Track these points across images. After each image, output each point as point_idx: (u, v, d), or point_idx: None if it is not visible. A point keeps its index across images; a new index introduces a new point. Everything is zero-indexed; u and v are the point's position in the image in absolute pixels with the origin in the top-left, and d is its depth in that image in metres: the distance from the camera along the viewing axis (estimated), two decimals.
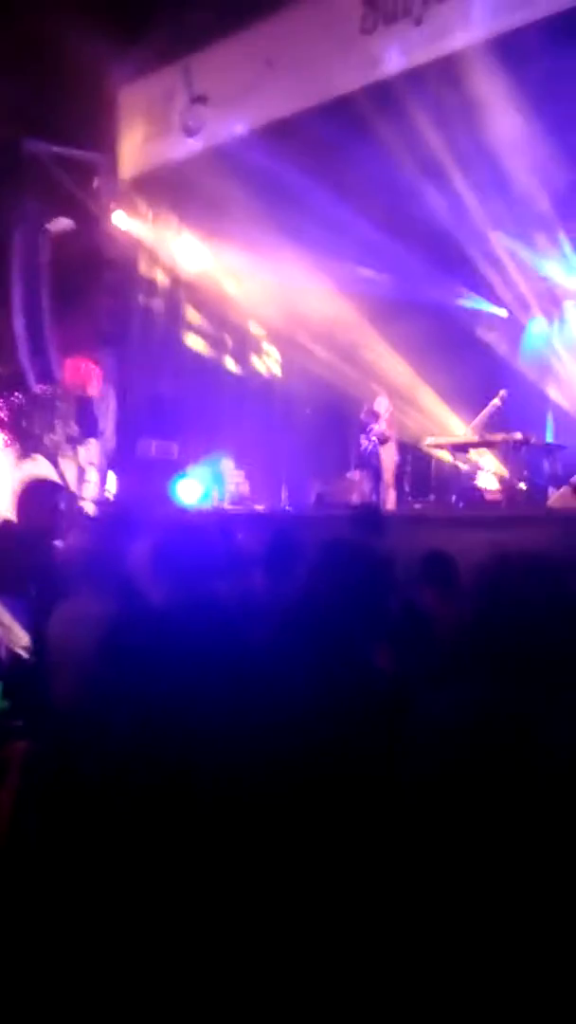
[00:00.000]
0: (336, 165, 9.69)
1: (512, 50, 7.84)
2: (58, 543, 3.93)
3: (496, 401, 10.28)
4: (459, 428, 11.16)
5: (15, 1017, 1.95)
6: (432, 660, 2.73)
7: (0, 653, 2.78)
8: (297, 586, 2.54)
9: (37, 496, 4.14)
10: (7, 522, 4.73)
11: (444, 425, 11.63)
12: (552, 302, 11.81)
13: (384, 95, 8.73)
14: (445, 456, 10.87)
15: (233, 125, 10.24)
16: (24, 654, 2.79)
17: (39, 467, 13.59)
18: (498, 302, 12.04)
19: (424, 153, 9.14)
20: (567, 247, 10.86)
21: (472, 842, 1.73)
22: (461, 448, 10.55)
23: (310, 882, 1.97)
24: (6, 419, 15.43)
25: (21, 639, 2.82)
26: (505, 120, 8.41)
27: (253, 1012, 1.94)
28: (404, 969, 1.74)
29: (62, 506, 5.63)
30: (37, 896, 2.07)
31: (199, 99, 10.53)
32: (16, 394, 15.30)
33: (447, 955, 1.71)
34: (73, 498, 10.03)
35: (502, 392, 10.33)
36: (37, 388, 15.11)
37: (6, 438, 15.44)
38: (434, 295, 11.99)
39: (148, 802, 2.22)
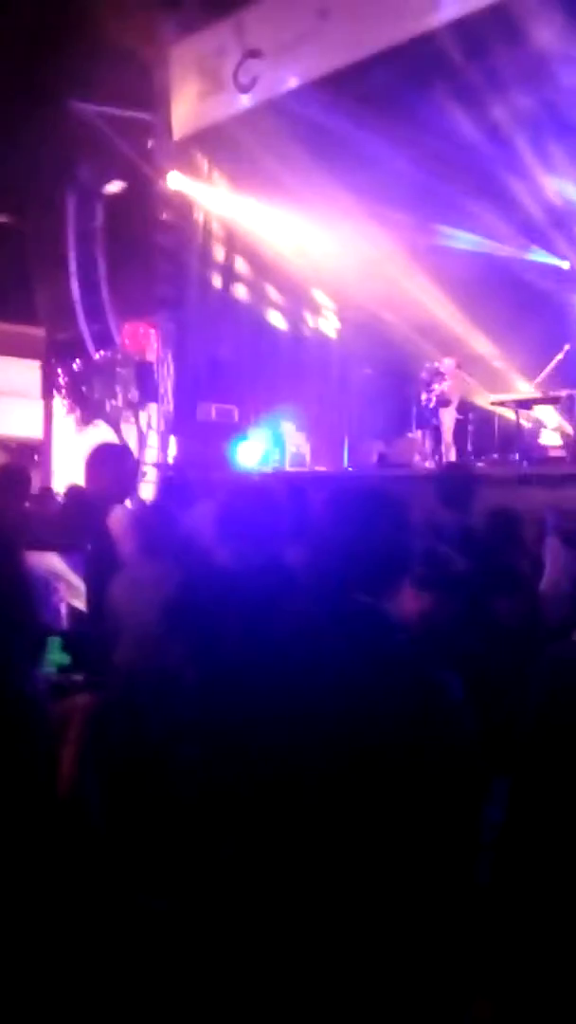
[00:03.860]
0: (391, 115, 9.45)
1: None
2: (120, 507, 3.90)
3: (560, 356, 10.07)
4: (522, 385, 10.93)
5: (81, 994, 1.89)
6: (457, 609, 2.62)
7: (61, 608, 2.78)
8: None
9: (107, 459, 4.06)
10: (76, 487, 4.65)
11: (507, 382, 11.40)
12: None
13: (440, 43, 8.48)
14: (508, 414, 10.67)
15: (287, 78, 10.06)
16: (82, 607, 2.81)
17: (101, 433, 13.65)
18: (561, 254, 11.70)
19: (482, 104, 8.91)
20: None
21: None
22: (524, 405, 10.34)
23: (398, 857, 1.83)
24: (67, 385, 15.53)
25: (80, 593, 2.84)
26: (566, 71, 8.14)
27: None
28: None
29: (134, 471, 5.62)
30: (102, 857, 2.04)
31: (252, 53, 10.34)
32: (76, 360, 15.38)
33: None
34: (137, 463, 10.09)
35: (566, 347, 10.10)
36: (96, 354, 15.18)
37: (67, 404, 15.55)
38: (497, 249, 11.69)
39: (212, 765, 2.20)
